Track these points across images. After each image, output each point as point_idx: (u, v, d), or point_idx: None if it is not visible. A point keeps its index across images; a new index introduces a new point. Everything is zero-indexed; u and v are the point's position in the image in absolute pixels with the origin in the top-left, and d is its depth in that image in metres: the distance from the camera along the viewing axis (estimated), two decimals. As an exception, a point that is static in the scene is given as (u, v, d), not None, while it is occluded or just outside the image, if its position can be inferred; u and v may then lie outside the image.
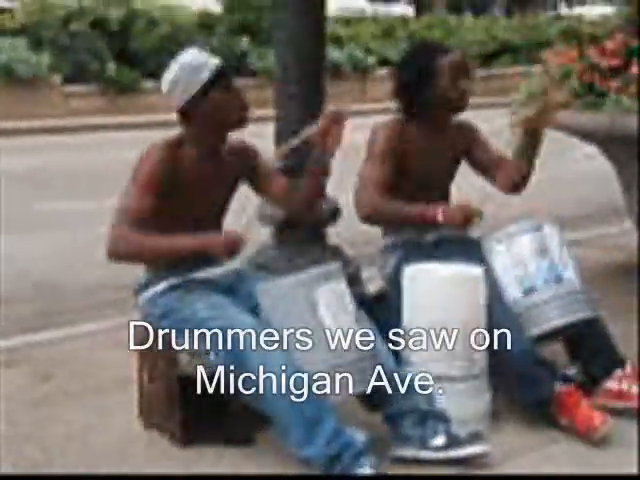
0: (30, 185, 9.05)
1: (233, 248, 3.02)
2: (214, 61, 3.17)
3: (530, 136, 3.64)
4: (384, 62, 20.20)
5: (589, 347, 3.48)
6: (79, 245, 6.47)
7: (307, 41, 4.01)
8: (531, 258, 3.43)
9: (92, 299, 5.32)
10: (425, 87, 3.53)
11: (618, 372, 3.41)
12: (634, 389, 3.37)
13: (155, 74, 16.67)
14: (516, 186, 3.73)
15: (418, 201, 3.49)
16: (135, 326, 3.36)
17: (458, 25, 22.64)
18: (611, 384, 3.40)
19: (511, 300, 3.40)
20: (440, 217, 3.36)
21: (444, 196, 3.72)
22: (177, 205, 3.16)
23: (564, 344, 3.57)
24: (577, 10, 29.11)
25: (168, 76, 3.19)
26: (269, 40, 16.81)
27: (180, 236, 3.07)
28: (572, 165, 9.93)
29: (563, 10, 33.25)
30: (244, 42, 17.77)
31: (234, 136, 3.30)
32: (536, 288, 3.40)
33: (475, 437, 3.04)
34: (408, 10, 26.08)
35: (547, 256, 3.43)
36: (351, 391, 2.96)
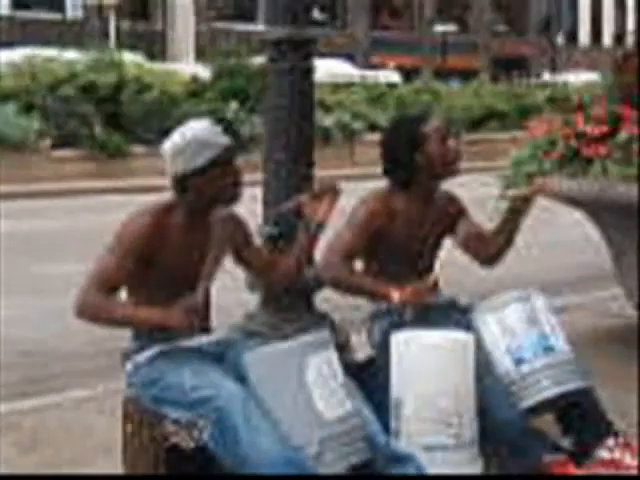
0: (18, 249, 9.02)
1: (188, 322, 2.99)
2: (223, 140, 3.12)
3: (514, 212, 3.68)
4: (372, 127, 20.40)
5: (580, 417, 3.45)
6: (66, 310, 6.42)
7: (295, 108, 4.03)
8: (520, 328, 3.41)
9: (79, 365, 5.27)
10: (412, 156, 3.56)
11: (609, 441, 3.38)
12: (627, 458, 3.33)
13: (144, 139, 16.80)
14: (494, 260, 3.80)
15: (404, 273, 3.51)
16: (122, 394, 3.31)
17: (444, 91, 22.93)
18: (602, 452, 3.37)
19: (502, 371, 3.38)
20: (396, 298, 3.38)
21: (430, 267, 3.72)
22: (160, 273, 3.13)
23: (555, 414, 3.54)
24: (561, 77, 29.53)
25: (175, 141, 3.14)
26: (257, 106, 16.99)
27: (143, 308, 3.07)
28: (561, 230, 9.97)
29: (547, 76, 33.71)
30: (232, 108, 17.93)
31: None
32: (526, 359, 3.37)
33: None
34: (395, 76, 26.39)
35: (536, 326, 3.42)
36: (342, 463, 2.91)
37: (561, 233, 9.95)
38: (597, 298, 6.54)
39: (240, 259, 3.43)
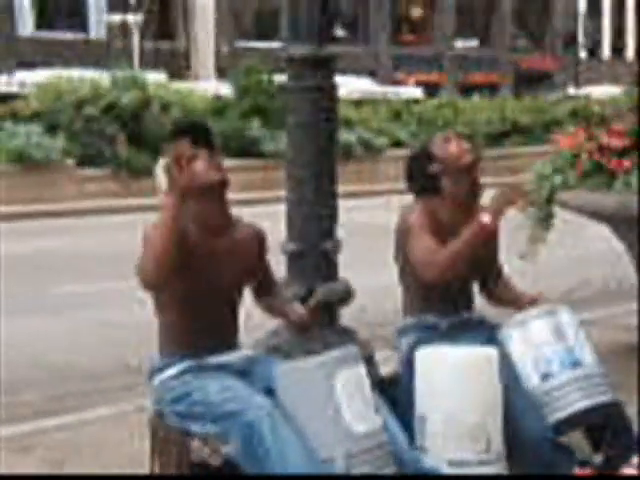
0: (43, 268, 9.09)
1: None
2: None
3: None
4: (395, 143, 20.42)
5: (609, 433, 3.43)
6: (90, 328, 6.46)
7: (319, 125, 4.05)
8: (547, 343, 3.40)
9: (103, 383, 5.30)
10: (428, 169, 3.61)
11: (635, 458, 3.36)
12: None
13: (168, 157, 16.87)
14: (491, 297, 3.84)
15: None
16: (148, 411, 3.33)
17: (466, 106, 22.90)
18: (628, 469, 3.35)
19: (529, 386, 3.37)
20: (486, 218, 3.33)
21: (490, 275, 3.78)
22: (187, 293, 3.14)
23: (585, 430, 3.52)
24: (584, 90, 29.45)
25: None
26: (280, 123, 17.04)
27: None
28: (584, 244, 9.93)
29: (571, 90, 33.62)
30: (255, 125, 18.01)
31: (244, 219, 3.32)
32: (553, 373, 3.36)
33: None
34: (417, 92, 26.41)
35: (563, 340, 3.41)
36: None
37: (584, 247, 9.91)
38: (620, 312, 6.50)
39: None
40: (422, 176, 3.64)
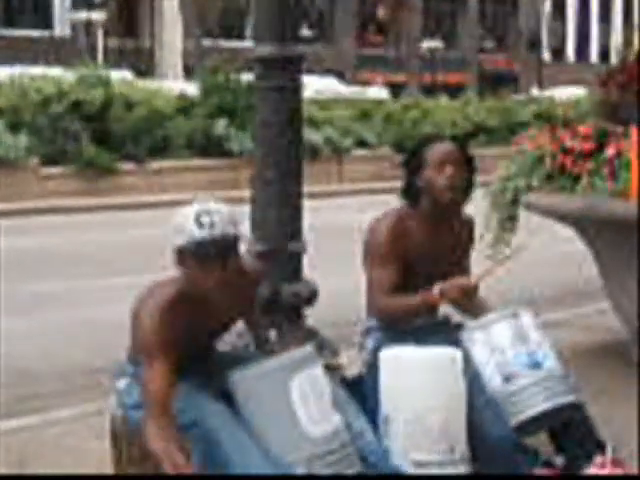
0: (8, 266, 8.99)
1: None
2: (198, 232, 2.87)
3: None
4: (361, 143, 20.45)
5: (571, 433, 3.45)
6: (54, 328, 6.41)
7: (284, 125, 4.05)
8: (509, 345, 3.40)
9: (67, 384, 5.25)
10: (416, 178, 3.57)
11: (598, 458, 3.38)
12: (617, 472, 3.34)
13: (132, 156, 16.80)
14: None
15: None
16: (111, 413, 3.31)
17: (433, 106, 23.00)
18: (593, 470, 3.37)
19: (492, 388, 3.38)
20: (436, 294, 3.37)
21: None
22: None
23: (547, 433, 3.54)
24: (548, 93, 29.66)
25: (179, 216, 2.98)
26: (246, 122, 17.00)
27: None
28: (549, 245, 9.99)
29: (534, 92, 33.84)
30: (221, 124, 17.95)
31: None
32: (515, 375, 3.36)
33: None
34: (383, 93, 26.46)
35: (524, 343, 3.41)
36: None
37: (547, 248, 9.97)
38: (583, 313, 6.56)
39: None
40: (408, 179, 3.61)
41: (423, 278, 3.55)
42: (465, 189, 3.59)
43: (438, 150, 3.57)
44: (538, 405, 3.35)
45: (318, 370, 3.03)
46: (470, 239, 3.78)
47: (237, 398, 2.98)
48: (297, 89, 4.12)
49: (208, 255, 2.89)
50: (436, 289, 3.40)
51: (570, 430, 3.45)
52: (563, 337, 5.48)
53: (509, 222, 5.32)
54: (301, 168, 4.21)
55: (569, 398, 3.41)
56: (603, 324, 5.93)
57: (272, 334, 3.51)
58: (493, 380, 3.38)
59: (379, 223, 3.58)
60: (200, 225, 2.88)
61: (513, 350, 3.39)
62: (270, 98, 4.02)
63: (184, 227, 2.90)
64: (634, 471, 3.42)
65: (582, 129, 5.02)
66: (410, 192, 3.61)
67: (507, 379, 3.37)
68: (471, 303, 3.56)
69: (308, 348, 3.11)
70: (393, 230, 3.54)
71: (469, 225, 3.77)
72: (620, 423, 3.95)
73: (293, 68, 4.03)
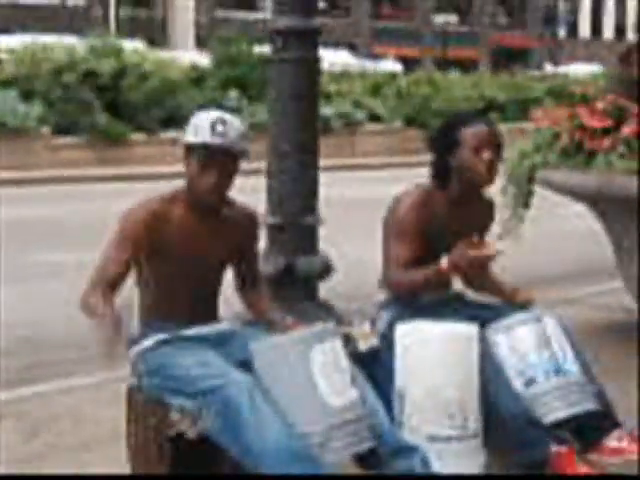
0: (17, 236, 9.02)
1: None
2: (209, 137, 3.07)
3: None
4: (373, 117, 20.39)
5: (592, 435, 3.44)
6: (68, 297, 6.42)
7: (301, 98, 4.04)
8: (531, 349, 3.38)
9: (81, 352, 5.27)
10: (449, 158, 3.51)
11: (616, 432, 3.39)
12: (634, 446, 3.34)
13: (144, 127, 16.78)
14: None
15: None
16: (126, 381, 3.32)
17: (445, 82, 22.89)
18: (609, 442, 3.37)
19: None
20: (444, 264, 3.35)
21: None
22: (168, 268, 3.14)
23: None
24: (562, 69, 29.48)
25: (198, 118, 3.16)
26: (259, 95, 16.95)
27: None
28: (562, 222, 9.98)
29: (548, 68, 33.66)
30: (233, 96, 17.90)
31: (235, 197, 3.28)
32: (536, 379, 3.34)
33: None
34: (396, 66, 26.36)
35: (547, 347, 3.39)
36: (347, 451, 2.93)
37: (562, 225, 9.96)
38: (596, 292, 6.54)
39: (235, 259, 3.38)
40: (438, 158, 3.55)
41: (440, 255, 3.53)
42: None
43: (475, 132, 3.48)
44: (558, 411, 3.34)
45: (338, 344, 3.04)
46: (490, 220, 3.77)
47: (257, 366, 3.00)
48: (315, 62, 4.11)
49: (211, 159, 3.09)
50: (445, 260, 3.37)
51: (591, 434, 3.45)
52: (573, 314, 5.48)
53: (524, 198, 5.30)
54: (317, 141, 4.20)
55: (590, 405, 3.39)
56: (614, 302, 5.92)
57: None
58: (514, 383, 3.35)
59: (403, 199, 3.55)
60: (213, 131, 3.07)
61: (535, 355, 3.37)
62: (288, 70, 4.01)
63: (198, 128, 3.09)
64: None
65: (599, 106, 4.98)
66: (440, 172, 3.55)
67: (527, 383, 3.35)
68: (481, 278, 3.54)
69: (329, 323, 3.12)
70: (416, 207, 3.51)
71: (490, 206, 3.75)
72: (631, 399, 3.95)
73: (312, 41, 4.02)
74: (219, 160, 3.10)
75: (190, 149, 3.12)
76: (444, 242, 3.52)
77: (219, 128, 3.08)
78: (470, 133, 3.49)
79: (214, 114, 3.14)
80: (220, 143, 3.08)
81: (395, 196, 3.56)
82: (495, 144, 3.51)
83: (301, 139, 4.07)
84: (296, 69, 3.99)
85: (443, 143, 3.54)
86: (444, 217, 3.55)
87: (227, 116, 3.14)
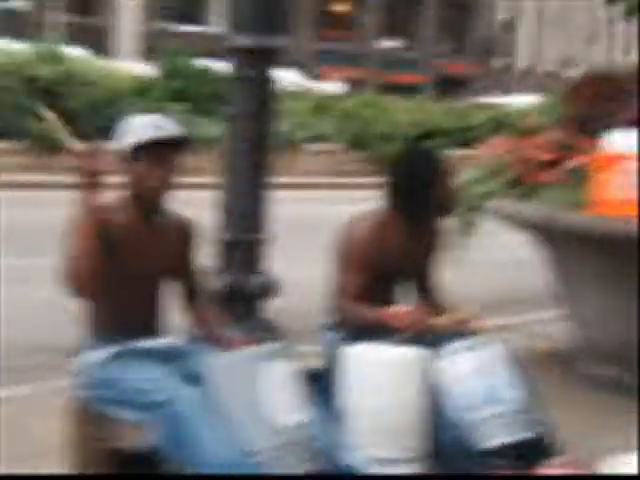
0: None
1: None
2: (154, 131, 3.17)
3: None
4: (316, 137, 20.43)
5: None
6: (7, 304, 6.33)
7: (259, 116, 4.07)
8: (472, 377, 3.41)
9: (26, 361, 5.20)
10: (423, 193, 3.59)
11: (556, 459, 3.42)
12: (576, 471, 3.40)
13: (86, 135, 16.59)
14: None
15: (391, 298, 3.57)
16: (71, 393, 3.29)
17: (390, 105, 23.03)
18: (548, 469, 3.41)
19: (452, 417, 3.38)
20: (388, 316, 3.43)
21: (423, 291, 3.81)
22: (111, 280, 3.14)
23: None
24: (499, 99, 29.84)
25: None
26: (206, 109, 16.87)
27: None
28: (502, 250, 10.07)
29: (487, 98, 34.08)
30: (178, 108, 17.80)
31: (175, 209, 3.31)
32: (476, 406, 3.36)
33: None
34: (341, 88, 26.48)
35: (488, 375, 3.42)
36: (289, 471, 2.94)
37: (493, 254, 10.07)
38: (529, 320, 6.63)
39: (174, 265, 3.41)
40: (413, 194, 3.63)
41: (392, 279, 3.59)
42: None
43: (446, 168, 3.63)
44: (496, 438, 3.35)
45: (287, 364, 3.07)
46: (441, 243, 3.84)
47: (206, 382, 3.00)
48: (271, 81, 4.14)
49: (159, 153, 3.16)
50: (390, 311, 3.45)
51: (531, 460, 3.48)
52: (510, 341, 5.53)
53: (467, 227, 5.38)
54: (270, 160, 4.23)
55: (529, 434, 3.40)
56: (548, 331, 6.00)
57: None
58: (454, 409, 3.37)
59: (356, 225, 3.60)
60: (155, 126, 3.17)
61: (476, 382, 3.40)
62: (248, 88, 4.03)
63: (138, 129, 3.18)
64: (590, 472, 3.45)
65: (542, 140, 5.08)
66: (415, 202, 3.60)
67: (467, 410, 3.36)
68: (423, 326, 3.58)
69: (281, 343, 3.16)
70: (370, 234, 3.56)
71: (442, 230, 3.83)
72: (567, 430, 4.01)
73: (272, 59, 4.06)
74: (167, 152, 3.17)
75: (134, 151, 3.15)
76: (396, 266, 3.57)
77: (160, 123, 3.19)
78: (443, 171, 3.62)
79: (148, 115, 3.25)
80: (167, 134, 3.16)
81: (349, 220, 3.60)
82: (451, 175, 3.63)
83: (255, 157, 4.10)
84: (254, 87, 4.02)
85: (424, 177, 3.60)
86: (398, 243, 3.60)
87: (159, 116, 3.25)
